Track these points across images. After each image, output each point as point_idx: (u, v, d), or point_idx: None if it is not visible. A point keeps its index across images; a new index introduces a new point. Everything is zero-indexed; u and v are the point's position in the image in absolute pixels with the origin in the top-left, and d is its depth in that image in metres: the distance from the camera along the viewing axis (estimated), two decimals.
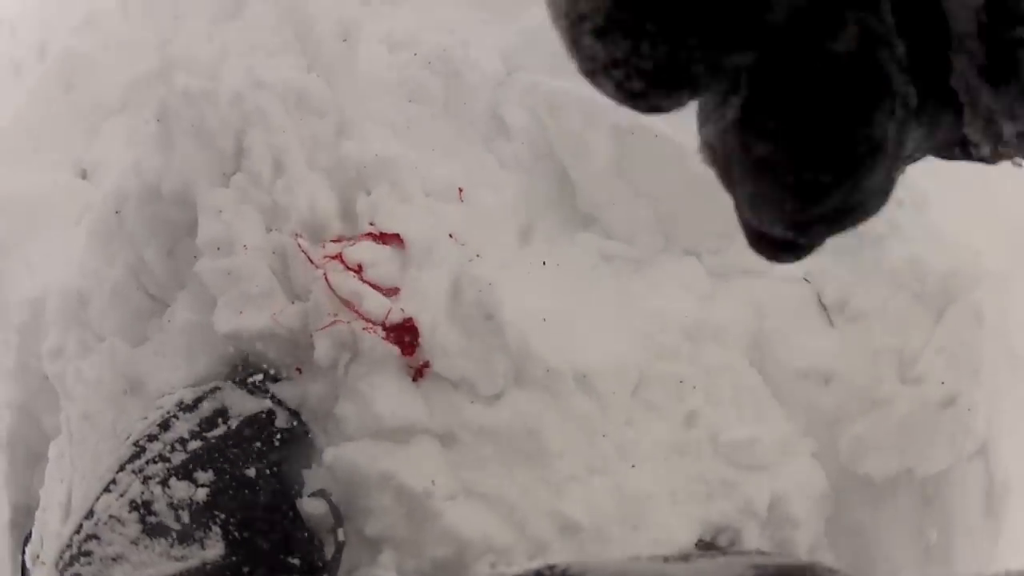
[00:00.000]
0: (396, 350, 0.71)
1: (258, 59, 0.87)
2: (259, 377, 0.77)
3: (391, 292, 0.75)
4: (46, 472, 1.01)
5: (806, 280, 1.02)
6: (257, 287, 0.75)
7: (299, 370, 0.77)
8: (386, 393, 0.72)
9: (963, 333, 0.94)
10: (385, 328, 0.72)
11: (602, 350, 0.80)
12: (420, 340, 0.71)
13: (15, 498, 1.15)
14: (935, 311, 0.96)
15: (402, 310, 0.72)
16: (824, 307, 1.01)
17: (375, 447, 0.73)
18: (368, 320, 0.72)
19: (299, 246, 0.75)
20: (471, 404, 0.74)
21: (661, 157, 0.97)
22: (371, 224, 0.79)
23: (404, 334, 0.72)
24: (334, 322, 0.72)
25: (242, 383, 0.78)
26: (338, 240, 0.77)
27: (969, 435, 0.92)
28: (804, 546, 0.88)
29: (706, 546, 0.85)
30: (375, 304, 0.72)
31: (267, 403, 0.77)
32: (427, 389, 0.74)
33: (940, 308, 0.96)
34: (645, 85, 0.21)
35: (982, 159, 0.25)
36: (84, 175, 1.10)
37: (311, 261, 0.74)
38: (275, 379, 0.78)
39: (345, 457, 0.73)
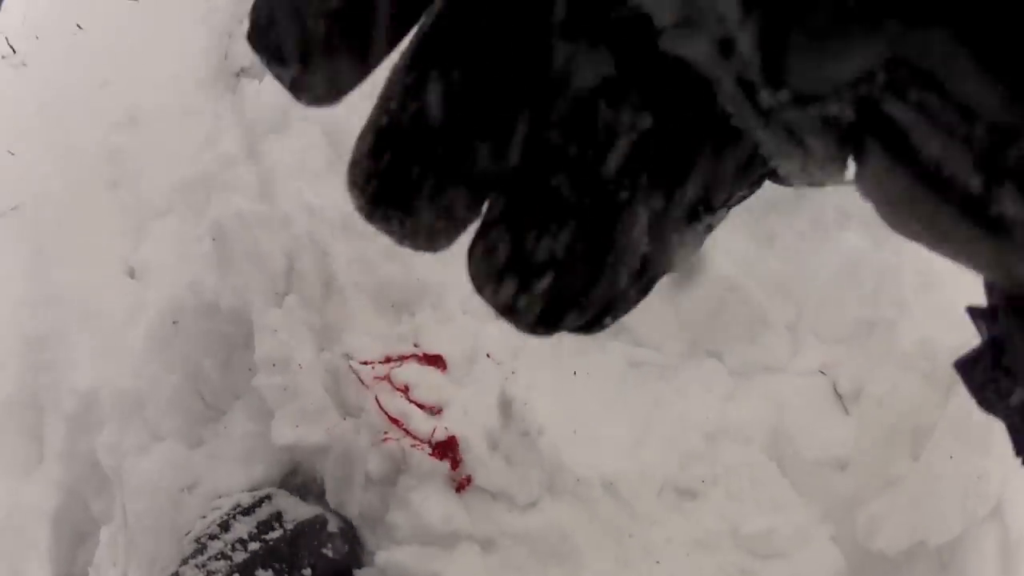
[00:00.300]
0: (442, 465, 0.79)
1: (306, 180, 0.95)
2: (313, 485, 0.85)
3: (436, 411, 0.82)
4: (96, 554, 1.07)
5: (822, 372, 1.08)
6: (312, 403, 0.82)
7: (351, 480, 0.84)
8: (433, 503, 0.79)
9: (972, 405, 0.97)
10: (431, 445, 0.79)
11: (628, 457, 0.87)
12: (462, 456, 0.79)
13: (58, 572, 1.21)
14: (945, 388, 0.98)
15: (446, 428, 0.80)
16: (840, 396, 1.06)
17: (423, 551, 0.80)
18: (416, 438, 0.79)
19: (350, 367, 0.82)
20: (509, 512, 0.81)
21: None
22: (416, 345, 0.87)
23: (448, 450, 0.79)
24: (385, 439, 0.79)
25: (296, 490, 0.85)
26: (386, 361, 0.85)
27: (981, 500, 0.93)
28: None
29: None
30: (421, 423, 0.80)
31: (319, 509, 0.84)
32: (469, 499, 0.81)
33: (949, 384, 0.98)
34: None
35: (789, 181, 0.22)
36: (132, 274, 1.17)
37: (362, 382, 0.81)
38: (326, 488, 0.85)
39: (396, 560, 0.80)
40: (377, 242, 0.91)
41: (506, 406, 0.81)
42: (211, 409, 0.90)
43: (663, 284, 0.85)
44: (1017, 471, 0.99)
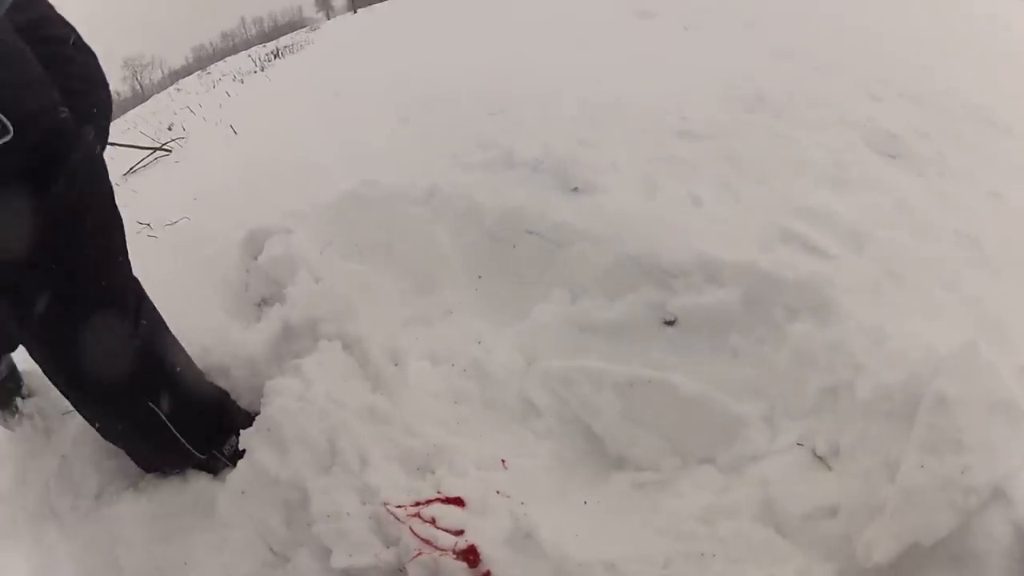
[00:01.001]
0: (464, 565, 1.04)
1: (334, 383, 1.24)
2: None
3: (458, 533, 1.05)
4: None
5: (800, 444, 1.22)
6: (360, 539, 1.06)
7: None
8: None
9: (933, 419, 1.06)
10: (455, 552, 1.04)
11: (627, 544, 1.03)
12: (481, 557, 1.04)
13: None
14: (906, 418, 1.10)
15: (467, 540, 1.06)
16: (820, 458, 1.19)
17: None
18: (442, 550, 1.05)
19: (388, 510, 1.09)
20: None
21: (659, 394, 1.29)
22: (438, 492, 1.11)
23: (470, 555, 1.04)
24: (419, 554, 1.04)
25: None
26: (415, 504, 1.09)
27: (971, 492, 0.99)
28: None
29: None
30: (447, 540, 1.04)
31: None
32: None
33: (910, 411, 1.10)
34: None
35: None
36: None
37: (398, 519, 1.08)
38: None
39: None
40: (397, 424, 1.23)
41: (516, 520, 1.03)
42: (277, 556, 1.10)
43: (643, 415, 1.18)
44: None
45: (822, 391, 1.27)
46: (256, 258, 1.63)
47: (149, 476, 1.27)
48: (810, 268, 1.41)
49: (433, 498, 1.13)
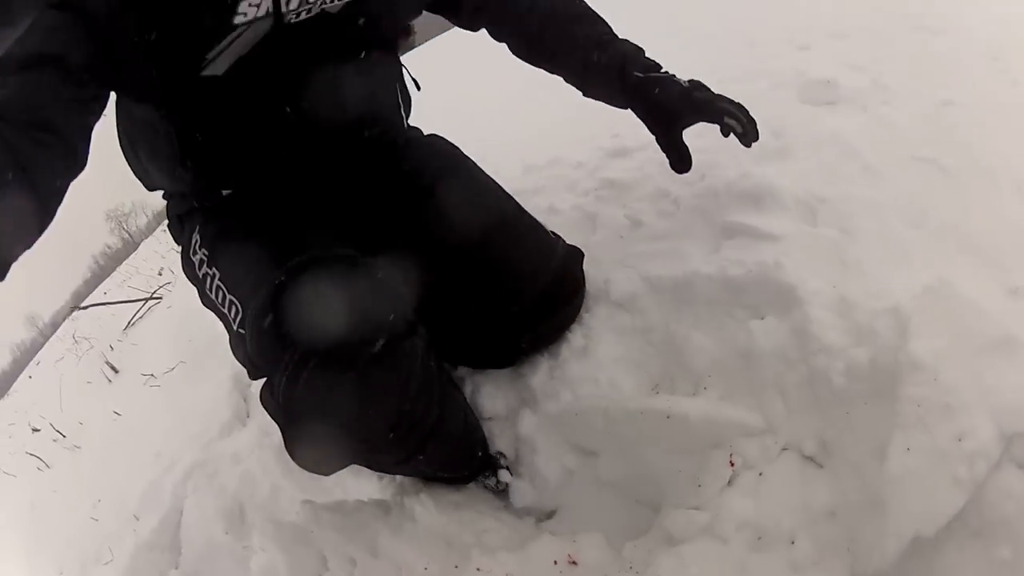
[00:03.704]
0: None
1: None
2: None
3: None
4: None
5: (785, 449, 1.19)
6: None
7: None
8: None
9: (914, 390, 1.00)
10: None
11: None
12: None
13: None
14: (888, 392, 1.04)
15: None
16: (809, 458, 1.17)
17: None
18: None
19: None
20: None
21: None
22: None
23: None
24: None
25: None
26: None
27: (977, 458, 0.92)
28: None
29: None
30: None
31: None
32: None
33: (890, 386, 1.04)
34: None
35: None
36: None
37: None
38: None
39: None
40: None
41: None
42: None
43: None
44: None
45: (798, 387, 1.21)
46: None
47: None
48: (758, 258, 1.35)
49: None
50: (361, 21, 1.18)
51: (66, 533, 2.39)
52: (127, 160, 1.33)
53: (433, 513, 1.37)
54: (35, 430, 3.93)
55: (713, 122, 1.31)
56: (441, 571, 1.24)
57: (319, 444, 1.10)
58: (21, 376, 8.22)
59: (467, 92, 1.45)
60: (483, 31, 1.46)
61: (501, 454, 1.50)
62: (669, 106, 1.32)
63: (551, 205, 1.75)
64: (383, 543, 1.32)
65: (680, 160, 1.36)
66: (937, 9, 1.98)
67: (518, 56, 1.47)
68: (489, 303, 1.36)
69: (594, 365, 1.43)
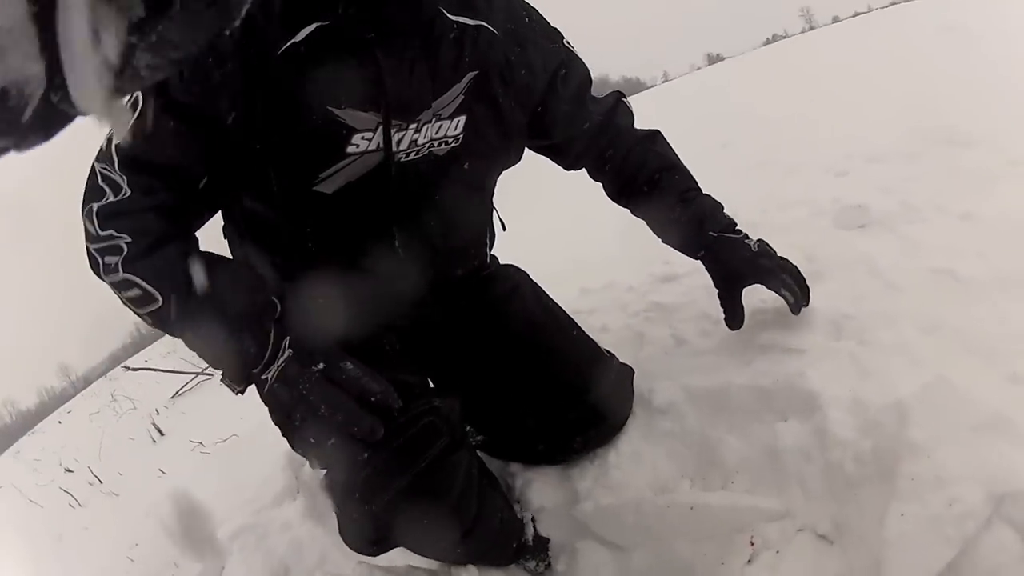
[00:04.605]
0: None
1: None
2: None
3: None
4: None
5: (800, 530, 1.31)
6: None
7: None
8: None
9: (911, 469, 1.11)
10: None
11: None
12: None
13: None
14: (888, 474, 1.16)
15: None
16: (822, 536, 1.29)
17: None
18: None
19: None
20: None
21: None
22: None
23: None
24: None
25: None
26: None
27: (966, 519, 1.01)
28: None
29: None
30: None
31: None
32: None
33: (891, 469, 1.16)
34: None
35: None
36: None
37: None
38: None
39: None
40: None
41: None
42: None
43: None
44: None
45: (815, 477, 1.34)
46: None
47: None
48: (785, 369, 1.51)
49: None
50: (466, 165, 1.28)
51: (98, 567, 2.42)
52: (231, 250, 1.39)
53: None
54: (68, 471, 3.93)
55: (771, 289, 1.50)
56: None
57: (371, 536, 1.27)
58: (49, 418, 8.08)
59: (529, 221, 1.68)
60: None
61: (547, 539, 1.65)
62: (735, 268, 1.49)
63: (604, 325, 1.98)
64: None
65: (733, 318, 1.54)
66: (970, 120, 2.09)
67: (609, 196, 1.63)
68: (549, 409, 1.51)
69: (635, 467, 1.60)
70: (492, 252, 1.63)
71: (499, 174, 1.46)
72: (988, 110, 2.10)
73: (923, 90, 2.41)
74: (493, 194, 1.51)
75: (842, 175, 2.21)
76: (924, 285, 1.62)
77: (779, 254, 1.55)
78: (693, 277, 2.02)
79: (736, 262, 1.49)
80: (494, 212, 1.56)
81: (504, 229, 1.61)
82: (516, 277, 1.62)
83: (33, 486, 4.22)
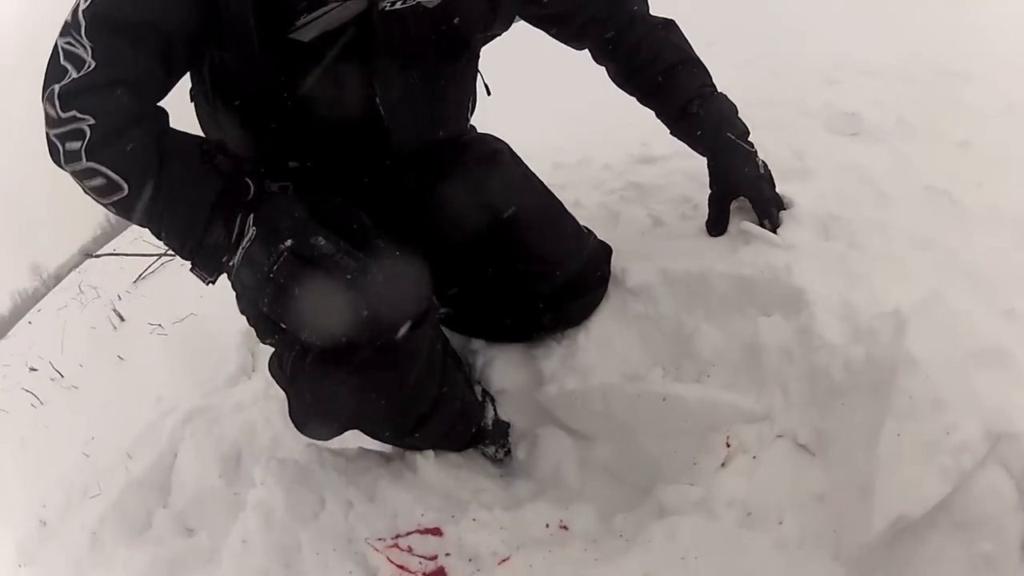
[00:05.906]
0: None
1: None
2: None
3: (432, 558, 1.16)
4: None
5: (779, 436, 1.25)
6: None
7: None
8: None
9: (907, 384, 1.05)
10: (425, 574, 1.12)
11: None
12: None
13: None
14: (882, 388, 1.09)
15: (437, 564, 1.13)
16: (802, 446, 1.22)
17: None
18: (413, 572, 1.12)
19: (368, 543, 1.18)
20: None
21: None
22: (418, 525, 1.22)
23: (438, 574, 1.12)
24: None
25: None
26: (396, 536, 1.20)
27: (963, 451, 0.95)
28: None
29: None
30: (418, 565, 1.14)
31: None
32: None
33: (885, 382, 1.09)
34: None
35: None
36: None
37: (376, 549, 1.17)
38: None
39: None
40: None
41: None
42: None
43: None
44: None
45: (799, 380, 1.28)
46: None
47: None
48: (771, 262, 1.42)
49: (412, 530, 1.21)
50: (456, 20, 1.18)
51: (56, 467, 2.37)
52: (198, 114, 1.30)
53: (434, 468, 1.42)
54: (32, 369, 3.85)
55: (758, 214, 1.49)
56: (437, 519, 1.29)
57: (322, 419, 1.18)
58: (20, 322, 8.02)
59: (505, 89, 1.50)
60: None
61: (507, 423, 1.55)
62: (738, 181, 1.48)
63: (577, 200, 1.82)
64: (382, 489, 1.37)
65: (716, 225, 1.53)
66: (962, 56, 2.05)
67: (614, 82, 1.55)
68: (520, 281, 1.42)
69: (604, 351, 1.49)
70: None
71: (488, 38, 1.36)
72: (987, 50, 2.05)
73: (923, 20, 2.33)
74: (479, 57, 1.41)
75: (834, 83, 2.13)
76: (918, 200, 1.56)
77: (767, 155, 1.52)
78: (672, 160, 1.88)
79: (741, 176, 1.48)
80: (478, 76, 1.46)
81: (489, 94, 1.51)
82: (496, 144, 1.51)
83: (1, 393, 4.13)
